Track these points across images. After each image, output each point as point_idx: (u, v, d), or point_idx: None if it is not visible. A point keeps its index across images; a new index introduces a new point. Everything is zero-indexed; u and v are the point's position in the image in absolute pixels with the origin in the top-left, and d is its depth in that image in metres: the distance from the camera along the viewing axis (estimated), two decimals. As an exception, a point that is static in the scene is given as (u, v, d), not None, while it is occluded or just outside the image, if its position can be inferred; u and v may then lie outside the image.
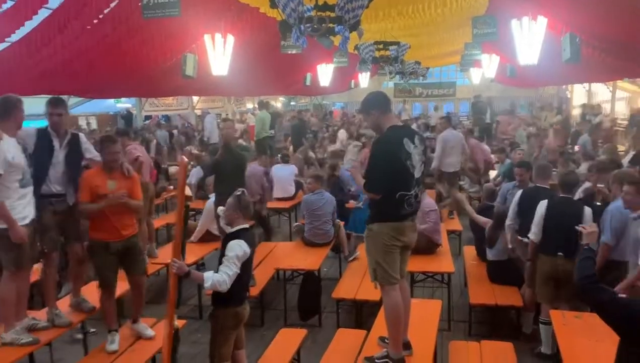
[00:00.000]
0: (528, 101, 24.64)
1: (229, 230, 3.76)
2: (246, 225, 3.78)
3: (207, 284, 3.50)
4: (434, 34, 11.74)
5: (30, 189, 3.98)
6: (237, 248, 3.56)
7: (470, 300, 5.21)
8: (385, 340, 3.74)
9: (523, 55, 8.32)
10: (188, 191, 3.45)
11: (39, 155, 4.14)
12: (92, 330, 5.06)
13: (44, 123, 4.35)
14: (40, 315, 4.35)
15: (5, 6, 6.11)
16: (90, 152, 4.49)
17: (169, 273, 3.67)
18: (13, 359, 3.83)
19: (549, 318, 4.56)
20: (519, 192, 5.44)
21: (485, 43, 11.50)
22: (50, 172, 4.17)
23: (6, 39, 6.92)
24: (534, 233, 4.79)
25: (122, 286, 4.57)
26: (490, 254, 5.63)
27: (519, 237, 5.21)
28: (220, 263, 3.59)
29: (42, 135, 4.19)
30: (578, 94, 21.22)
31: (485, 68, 15.29)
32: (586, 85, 19.24)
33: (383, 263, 3.51)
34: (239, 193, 3.78)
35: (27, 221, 3.90)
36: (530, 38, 8.04)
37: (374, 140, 3.76)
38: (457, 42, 12.93)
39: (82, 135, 4.56)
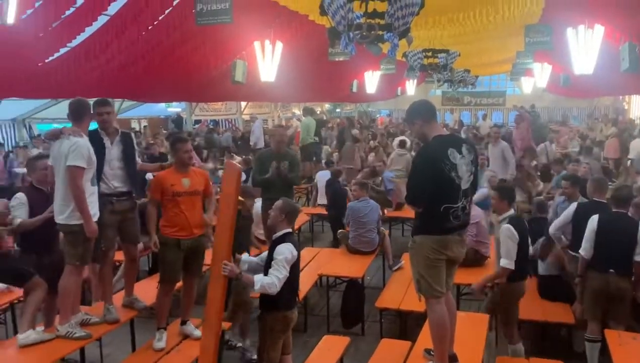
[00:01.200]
0: (586, 112, 23.83)
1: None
2: (289, 229, 3.81)
3: (257, 286, 3.54)
4: (485, 41, 11.54)
5: (96, 188, 4.15)
6: (287, 251, 3.61)
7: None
8: (431, 353, 3.67)
9: (578, 65, 8.08)
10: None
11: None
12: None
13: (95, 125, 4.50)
14: (94, 311, 4.52)
15: (67, 12, 6.40)
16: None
17: (210, 276, 3.75)
18: (66, 352, 3.99)
19: (594, 336, 4.45)
20: (573, 205, 5.26)
21: (538, 52, 11.24)
22: (105, 170, 4.32)
23: (67, 44, 7.24)
24: (585, 249, 4.63)
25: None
26: (541, 268, 5.45)
27: (571, 253, 5.04)
28: (268, 267, 3.62)
29: (93, 136, 4.33)
30: (636, 105, 20.39)
31: (537, 77, 14.91)
32: (645, 96, 18.48)
33: (427, 277, 3.44)
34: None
35: (95, 218, 4.06)
36: (586, 47, 7.81)
37: (417, 153, 3.73)
38: (508, 50, 12.68)
39: (132, 135, 4.73)
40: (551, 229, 5.22)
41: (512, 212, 4.49)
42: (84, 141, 3.97)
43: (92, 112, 4.22)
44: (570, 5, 7.98)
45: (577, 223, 5.00)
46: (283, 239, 3.69)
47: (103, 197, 4.30)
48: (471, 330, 4.18)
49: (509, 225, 4.31)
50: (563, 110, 24.24)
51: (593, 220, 4.64)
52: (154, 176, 4.74)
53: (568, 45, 8.04)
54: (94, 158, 4.03)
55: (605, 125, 16.42)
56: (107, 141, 4.37)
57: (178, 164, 4.42)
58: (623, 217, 4.67)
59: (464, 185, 3.43)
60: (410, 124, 3.72)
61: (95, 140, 4.30)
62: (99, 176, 4.28)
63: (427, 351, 3.77)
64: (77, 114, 4.11)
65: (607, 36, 7.92)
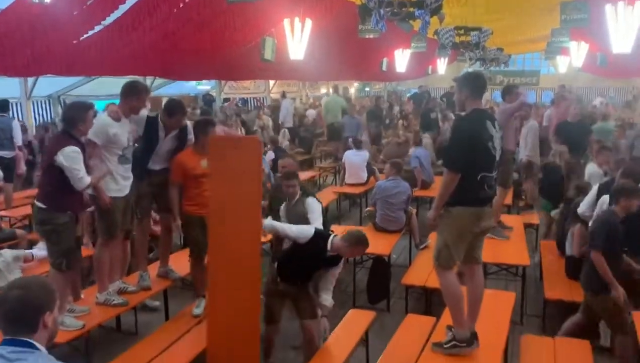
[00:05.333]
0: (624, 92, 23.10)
1: None
2: None
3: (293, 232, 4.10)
4: (519, 18, 11.27)
5: (128, 166, 4.31)
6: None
7: (545, 295, 5.05)
8: (452, 328, 3.71)
9: (617, 43, 7.83)
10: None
11: (146, 139, 4.55)
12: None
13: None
14: (130, 280, 4.71)
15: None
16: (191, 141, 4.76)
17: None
18: (103, 319, 4.18)
19: None
20: (597, 185, 5.28)
21: (574, 30, 10.92)
22: (153, 156, 4.56)
23: (101, 22, 7.37)
24: None
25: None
26: (568, 249, 5.42)
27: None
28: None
29: (151, 124, 4.53)
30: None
31: (574, 56, 14.46)
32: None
33: (452, 247, 3.48)
34: None
35: (121, 194, 4.22)
36: (625, 25, 7.56)
37: (456, 118, 3.76)
38: (543, 27, 12.34)
39: (189, 126, 4.79)
40: (580, 209, 5.19)
41: None
42: (104, 120, 4.12)
43: (141, 95, 4.32)
44: (610, -19, 7.73)
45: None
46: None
47: (145, 171, 4.53)
48: (497, 308, 4.20)
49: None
50: (599, 90, 23.55)
51: (604, 202, 4.73)
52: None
53: (606, 23, 7.80)
54: (118, 138, 4.14)
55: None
56: (162, 133, 4.56)
57: (200, 145, 4.51)
58: None
59: (497, 156, 3.53)
60: (458, 88, 3.72)
61: (152, 129, 4.51)
62: (147, 158, 4.51)
63: (449, 327, 3.79)
64: (121, 93, 4.29)
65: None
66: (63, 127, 4.04)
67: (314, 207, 4.83)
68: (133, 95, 4.26)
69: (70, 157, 3.76)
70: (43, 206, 3.88)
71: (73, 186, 3.82)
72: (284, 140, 12.97)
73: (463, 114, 3.66)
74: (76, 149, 3.80)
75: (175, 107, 4.54)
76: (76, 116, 3.90)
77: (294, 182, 4.96)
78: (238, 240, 3.73)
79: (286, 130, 14.05)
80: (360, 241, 4.06)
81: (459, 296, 3.56)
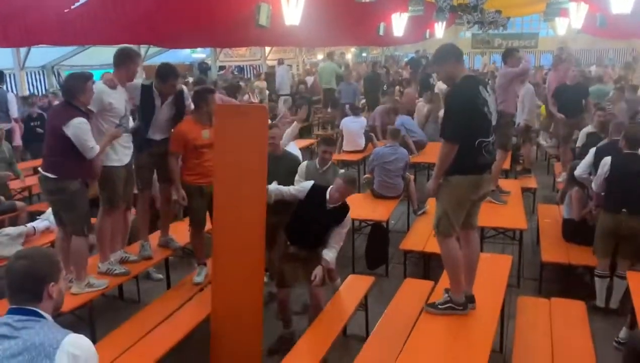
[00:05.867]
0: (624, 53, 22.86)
1: None
2: None
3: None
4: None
5: (128, 136, 4.31)
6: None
7: (541, 258, 5.12)
8: (449, 292, 3.76)
9: (616, 4, 7.74)
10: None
11: (143, 109, 4.51)
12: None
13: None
14: (131, 249, 4.76)
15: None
16: (190, 107, 4.71)
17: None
18: (106, 288, 4.22)
19: (604, 272, 4.71)
20: (594, 149, 5.29)
21: (574, -10, 10.77)
22: (152, 126, 4.51)
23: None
24: (596, 185, 4.85)
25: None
26: (565, 212, 5.47)
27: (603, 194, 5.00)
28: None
29: (146, 92, 4.47)
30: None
31: (573, 17, 14.27)
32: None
33: (451, 215, 3.48)
34: None
35: (121, 163, 4.23)
36: (625, -16, 7.46)
37: (451, 88, 3.67)
38: (542, -11, 12.18)
39: (185, 90, 4.74)
40: (577, 172, 5.21)
41: None
42: (100, 87, 4.07)
43: (134, 59, 4.28)
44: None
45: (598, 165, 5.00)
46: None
47: (146, 141, 4.51)
48: (494, 271, 4.25)
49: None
50: (599, 52, 23.31)
51: (605, 163, 4.71)
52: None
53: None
54: (115, 105, 4.12)
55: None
56: (157, 101, 4.49)
57: (201, 114, 4.47)
58: (635, 159, 4.66)
59: (493, 121, 3.49)
60: (443, 62, 3.61)
61: (148, 97, 4.45)
62: (146, 128, 4.48)
63: (446, 290, 3.84)
64: (115, 62, 4.24)
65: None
66: (64, 99, 4.01)
67: None
68: (127, 60, 4.23)
69: (79, 128, 3.74)
70: (52, 176, 3.87)
71: (83, 154, 3.82)
72: (283, 108, 12.87)
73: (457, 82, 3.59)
74: (83, 119, 3.77)
75: (167, 72, 4.46)
76: (74, 87, 3.86)
77: (332, 149, 5.24)
78: (243, 208, 3.79)
79: (287, 98, 13.92)
80: (345, 179, 4.22)
81: (459, 262, 3.59)
